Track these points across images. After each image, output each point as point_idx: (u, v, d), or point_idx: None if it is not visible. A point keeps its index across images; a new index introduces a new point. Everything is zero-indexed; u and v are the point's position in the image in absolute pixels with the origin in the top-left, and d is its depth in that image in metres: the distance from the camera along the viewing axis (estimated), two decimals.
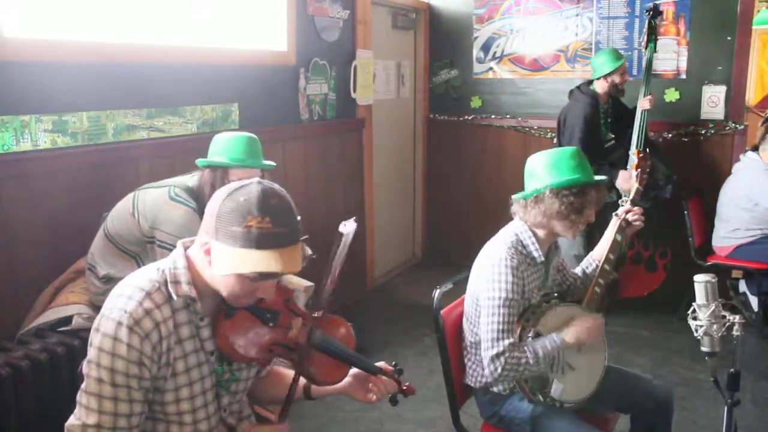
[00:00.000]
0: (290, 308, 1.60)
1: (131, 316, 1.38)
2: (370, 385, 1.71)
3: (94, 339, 1.40)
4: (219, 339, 1.49)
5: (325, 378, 1.65)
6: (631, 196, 2.34)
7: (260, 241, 1.35)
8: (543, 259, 2.16)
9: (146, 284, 1.43)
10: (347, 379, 1.70)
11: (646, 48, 4.31)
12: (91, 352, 1.40)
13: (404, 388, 1.77)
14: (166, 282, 1.44)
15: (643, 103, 4.19)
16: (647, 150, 4.08)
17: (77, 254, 2.60)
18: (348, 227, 1.61)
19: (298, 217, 1.43)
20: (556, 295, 2.24)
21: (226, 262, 1.37)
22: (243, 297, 1.46)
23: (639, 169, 2.39)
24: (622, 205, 2.32)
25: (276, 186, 1.43)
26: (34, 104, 2.48)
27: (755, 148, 4.09)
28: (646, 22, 4.32)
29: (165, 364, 1.43)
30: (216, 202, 1.40)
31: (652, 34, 4.29)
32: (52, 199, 2.55)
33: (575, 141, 4.04)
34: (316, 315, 1.64)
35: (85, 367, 1.41)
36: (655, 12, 4.31)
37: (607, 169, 4.05)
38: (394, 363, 1.78)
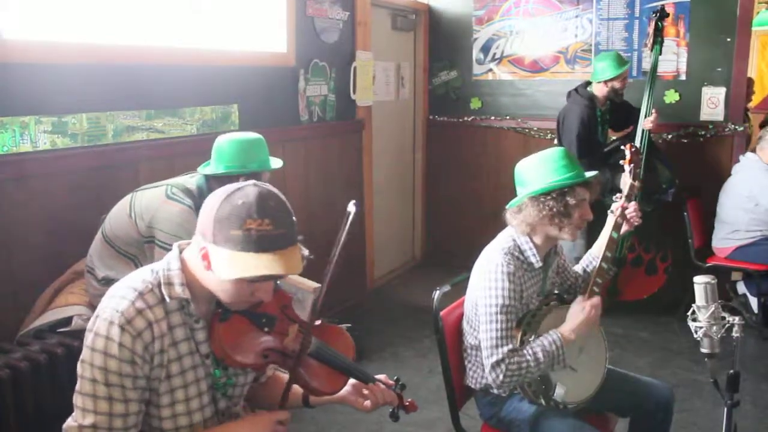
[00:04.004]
0: (287, 314, 1.59)
1: (123, 315, 1.38)
2: (366, 392, 1.70)
3: (88, 339, 1.40)
4: (212, 343, 1.48)
5: (322, 388, 1.62)
6: (625, 192, 2.31)
7: (261, 244, 1.35)
8: (541, 264, 2.15)
9: (139, 285, 1.43)
10: (346, 387, 1.69)
11: (651, 50, 4.30)
12: (85, 352, 1.40)
13: (406, 404, 1.75)
14: (159, 284, 1.44)
15: (645, 124, 4.15)
16: (639, 146, 4.07)
17: (77, 255, 2.59)
18: (351, 207, 1.61)
19: (294, 218, 1.43)
20: (555, 297, 2.24)
21: (227, 266, 1.36)
22: (241, 299, 1.45)
23: (632, 164, 2.37)
24: (616, 202, 2.31)
25: (271, 187, 1.43)
26: (33, 105, 2.48)
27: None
28: (653, 23, 4.30)
29: (159, 365, 1.43)
30: (212, 206, 1.39)
31: (658, 36, 4.26)
32: (51, 201, 2.55)
33: (574, 144, 4.05)
34: (315, 323, 1.63)
35: (79, 368, 1.40)
36: (662, 14, 4.29)
37: (608, 172, 4.04)
38: (396, 378, 1.76)
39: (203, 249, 1.40)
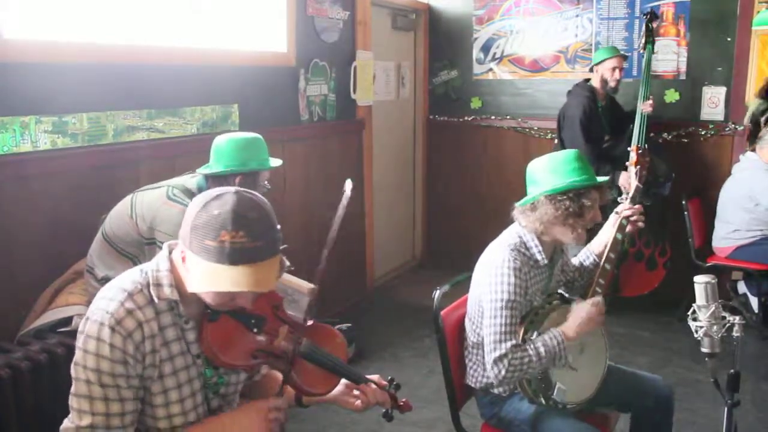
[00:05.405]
0: (278, 315, 1.58)
1: (113, 316, 1.38)
2: (357, 392, 1.69)
3: (79, 341, 1.41)
4: (201, 343, 1.48)
5: (313, 388, 1.61)
6: (631, 194, 2.32)
7: (233, 257, 1.34)
8: (546, 262, 2.16)
9: (128, 285, 1.44)
10: (338, 388, 1.68)
11: (644, 50, 4.38)
12: (77, 354, 1.40)
13: (401, 404, 1.74)
14: (148, 284, 1.44)
15: (644, 107, 4.22)
16: (646, 146, 4.11)
17: (77, 255, 2.59)
18: (347, 186, 1.59)
19: (278, 227, 1.41)
20: (558, 296, 2.24)
21: (199, 277, 1.37)
22: (222, 304, 1.45)
23: (638, 166, 2.37)
24: (622, 203, 2.31)
25: (254, 195, 1.41)
26: (34, 105, 2.48)
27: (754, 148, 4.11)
28: (644, 24, 4.40)
29: (151, 365, 1.43)
30: (191, 213, 1.39)
31: (650, 37, 4.37)
32: (52, 200, 2.55)
33: (577, 131, 4.12)
34: (307, 324, 1.62)
35: (73, 371, 1.41)
36: (653, 16, 4.40)
37: (609, 168, 4.10)
38: (390, 378, 1.75)
39: (183, 253, 1.40)
